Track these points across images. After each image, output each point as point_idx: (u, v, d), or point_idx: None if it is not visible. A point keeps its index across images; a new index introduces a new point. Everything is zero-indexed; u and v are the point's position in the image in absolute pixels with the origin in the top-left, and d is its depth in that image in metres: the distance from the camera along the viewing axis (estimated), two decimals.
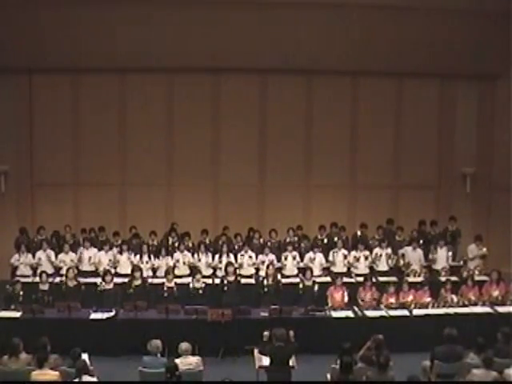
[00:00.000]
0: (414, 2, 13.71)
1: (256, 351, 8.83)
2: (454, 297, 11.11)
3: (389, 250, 12.86)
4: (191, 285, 11.37)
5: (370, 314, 10.78)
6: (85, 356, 8.20)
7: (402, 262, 12.71)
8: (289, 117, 15.04)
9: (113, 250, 12.68)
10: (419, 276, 12.40)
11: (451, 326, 8.65)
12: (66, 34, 13.65)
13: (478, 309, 11.03)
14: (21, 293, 11.02)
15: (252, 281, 12.24)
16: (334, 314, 10.74)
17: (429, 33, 13.98)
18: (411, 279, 12.01)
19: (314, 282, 11.58)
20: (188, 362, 8.25)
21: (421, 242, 13.19)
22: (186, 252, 12.60)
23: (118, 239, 13.10)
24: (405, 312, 10.84)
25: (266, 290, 11.46)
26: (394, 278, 12.25)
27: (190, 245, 12.97)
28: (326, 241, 13.38)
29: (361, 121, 15.20)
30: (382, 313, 10.81)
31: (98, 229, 13.33)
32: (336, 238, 13.22)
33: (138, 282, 11.38)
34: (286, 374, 8.10)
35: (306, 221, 14.50)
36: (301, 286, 11.57)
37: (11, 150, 14.68)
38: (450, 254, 12.93)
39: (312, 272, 11.75)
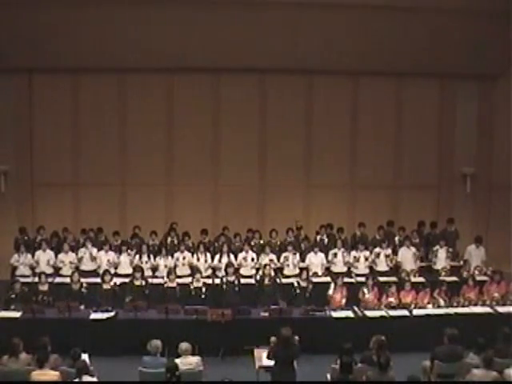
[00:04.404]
0: (414, 2, 13.72)
1: (256, 351, 8.84)
2: (441, 300, 11.09)
3: (388, 251, 12.87)
4: (191, 285, 11.37)
5: (370, 314, 10.77)
6: (85, 356, 8.20)
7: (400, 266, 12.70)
8: (289, 117, 15.05)
9: (113, 251, 12.67)
10: (415, 276, 12.36)
11: (451, 326, 8.66)
12: (66, 34, 13.65)
13: (478, 309, 11.03)
14: (21, 293, 11.01)
15: (252, 281, 12.23)
16: (334, 314, 10.73)
17: (429, 33, 13.99)
18: (412, 279, 11.99)
19: (310, 282, 11.57)
20: (188, 362, 8.24)
21: (417, 240, 13.22)
22: (186, 252, 12.60)
23: (118, 239, 13.11)
24: (405, 312, 10.84)
25: (263, 290, 11.49)
26: (394, 278, 12.26)
27: (190, 244, 12.97)
28: (326, 241, 13.38)
29: (361, 121, 15.21)
30: (382, 313, 10.80)
31: (96, 230, 13.30)
32: (337, 237, 13.26)
33: (138, 283, 11.37)
34: (290, 374, 8.07)
35: (306, 221, 14.51)
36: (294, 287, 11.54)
37: (11, 150, 14.69)
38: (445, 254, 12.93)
39: (308, 272, 11.75)
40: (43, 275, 11.45)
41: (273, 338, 8.54)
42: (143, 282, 11.43)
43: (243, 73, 14.68)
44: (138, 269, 11.57)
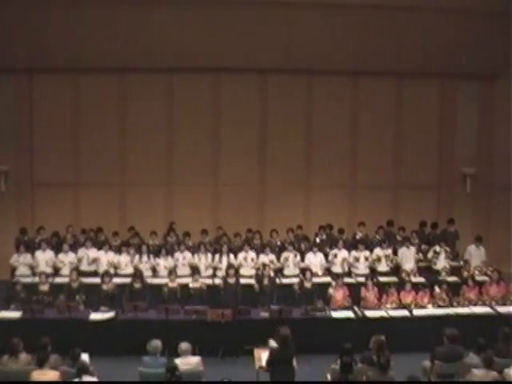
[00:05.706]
0: (414, 1, 13.72)
1: (256, 351, 8.84)
2: (442, 298, 11.10)
3: (389, 251, 12.87)
4: (191, 285, 11.37)
5: (370, 314, 10.76)
6: (85, 356, 8.20)
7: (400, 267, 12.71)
8: (289, 117, 15.04)
9: (113, 251, 12.67)
10: (415, 276, 12.35)
11: (451, 326, 8.66)
12: (66, 34, 13.67)
13: (478, 309, 11.04)
14: (21, 293, 11.01)
15: (252, 281, 12.22)
16: (334, 314, 10.73)
17: (428, 33, 14.01)
18: (412, 279, 11.98)
19: (314, 284, 11.55)
20: (188, 362, 8.24)
21: (416, 241, 13.22)
22: (186, 252, 12.60)
23: (117, 239, 13.11)
24: (405, 312, 10.84)
25: (263, 290, 11.48)
26: (394, 278, 12.26)
27: (191, 244, 12.96)
28: (325, 241, 13.37)
29: (361, 121, 15.21)
30: (383, 313, 10.80)
31: (96, 229, 13.30)
32: (337, 237, 13.25)
33: (138, 285, 11.34)
34: (289, 373, 8.06)
35: (306, 221, 14.51)
36: (297, 287, 11.51)
37: (11, 150, 14.68)
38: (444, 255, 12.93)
39: (312, 273, 11.73)
40: (43, 275, 11.44)
41: (271, 341, 8.56)
42: (143, 285, 11.41)
43: (243, 72, 14.68)
44: (137, 273, 11.54)
